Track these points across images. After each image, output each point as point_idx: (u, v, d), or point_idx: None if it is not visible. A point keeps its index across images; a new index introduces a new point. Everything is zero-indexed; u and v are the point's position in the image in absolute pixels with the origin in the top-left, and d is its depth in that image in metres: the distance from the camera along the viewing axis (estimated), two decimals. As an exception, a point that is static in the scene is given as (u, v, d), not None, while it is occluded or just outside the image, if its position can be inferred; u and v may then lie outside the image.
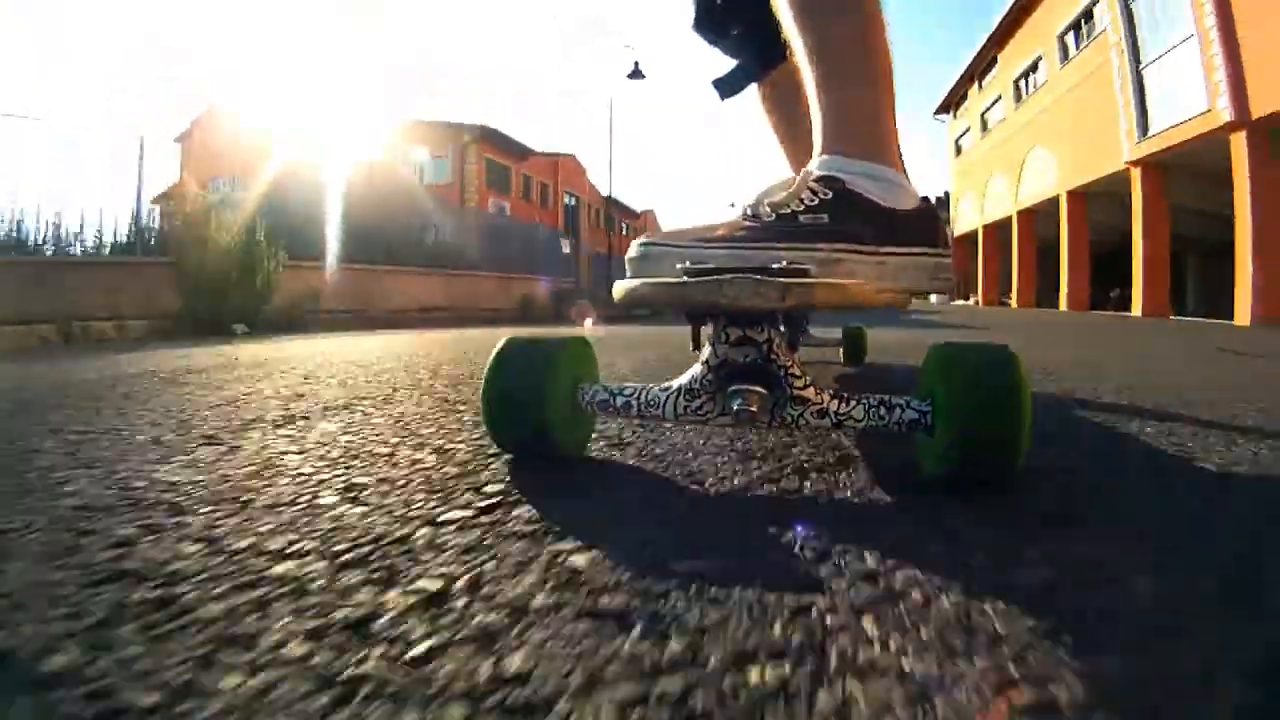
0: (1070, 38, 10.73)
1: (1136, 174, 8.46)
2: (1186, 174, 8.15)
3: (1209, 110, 6.97)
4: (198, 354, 2.03)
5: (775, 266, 0.54)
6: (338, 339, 2.86)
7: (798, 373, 0.54)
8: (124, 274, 3.46)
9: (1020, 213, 12.41)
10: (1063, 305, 10.37)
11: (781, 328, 0.58)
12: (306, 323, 3.70)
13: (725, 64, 0.99)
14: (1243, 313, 6.51)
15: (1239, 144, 6.68)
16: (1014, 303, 12.44)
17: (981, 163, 14.97)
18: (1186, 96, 7.42)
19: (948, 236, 0.72)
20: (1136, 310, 8.29)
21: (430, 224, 7.34)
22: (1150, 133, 8.10)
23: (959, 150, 17.40)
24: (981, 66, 14.99)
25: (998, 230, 14.04)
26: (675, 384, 0.57)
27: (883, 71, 0.69)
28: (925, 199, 0.70)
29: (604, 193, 21.05)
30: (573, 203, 20.26)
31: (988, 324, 4.81)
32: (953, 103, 17.55)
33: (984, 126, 15.14)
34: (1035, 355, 1.89)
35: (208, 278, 3.28)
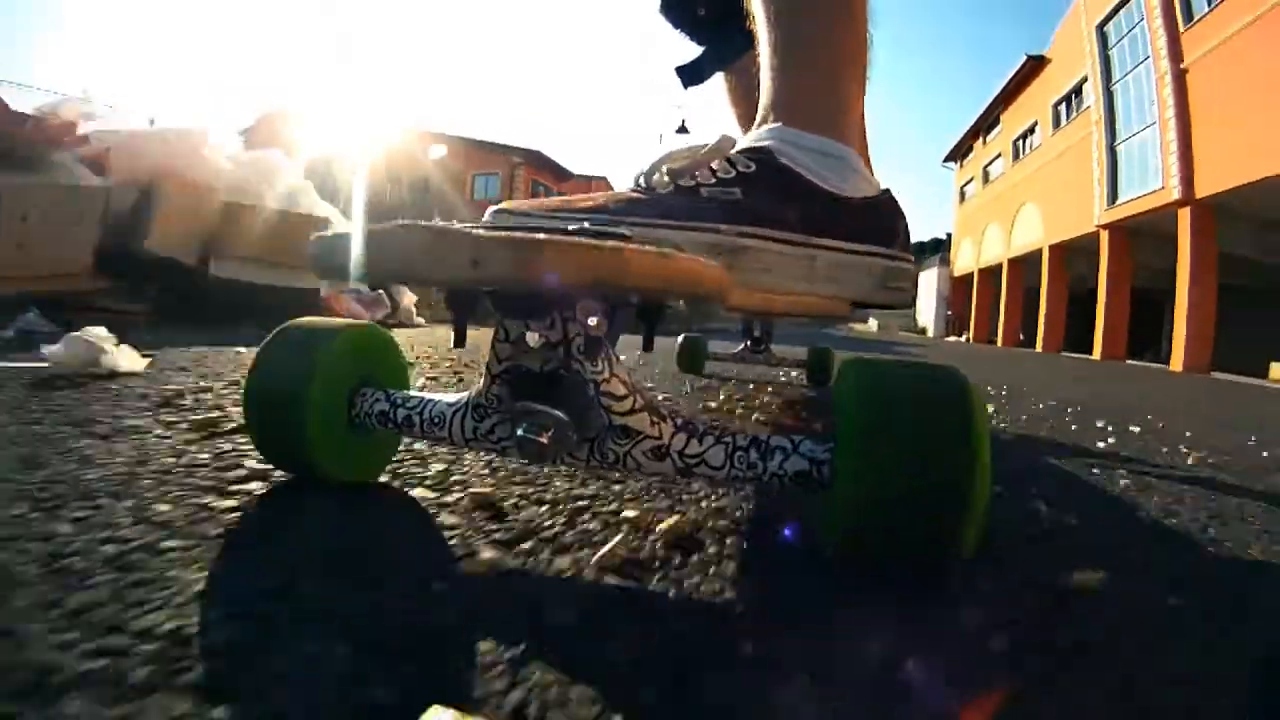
0: (1062, 109, 11.97)
1: (1105, 236, 9.63)
2: (1149, 239, 9.29)
3: (1163, 188, 8.14)
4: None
5: (571, 229, 0.34)
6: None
7: (621, 389, 0.36)
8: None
9: (1010, 261, 13.59)
10: (1039, 347, 11.50)
11: (591, 321, 0.35)
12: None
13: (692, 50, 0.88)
14: (1176, 362, 7.63)
15: (1184, 219, 7.83)
16: (1000, 342, 13.56)
17: (981, 211, 16.18)
18: (1147, 174, 8.60)
19: (908, 238, 0.58)
20: (1096, 354, 9.41)
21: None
22: (1117, 202, 9.28)
23: (963, 197, 18.64)
24: (987, 123, 16.25)
25: (991, 275, 15.21)
26: (464, 397, 0.41)
27: (850, 47, 0.57)
28: (886, 190, 0.57)
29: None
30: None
31: (945, 353, 5.85)
32: (960, 153, 18.82)
33: (985, 178, 16.38)
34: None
35: None
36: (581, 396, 0.37)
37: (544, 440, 0.36)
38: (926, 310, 21.41)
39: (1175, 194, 7.85)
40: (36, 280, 1.62)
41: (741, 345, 1.56)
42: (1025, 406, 1.46)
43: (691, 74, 0.87)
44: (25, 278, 1.61)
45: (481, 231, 0.28)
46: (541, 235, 0.29)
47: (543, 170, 17.68)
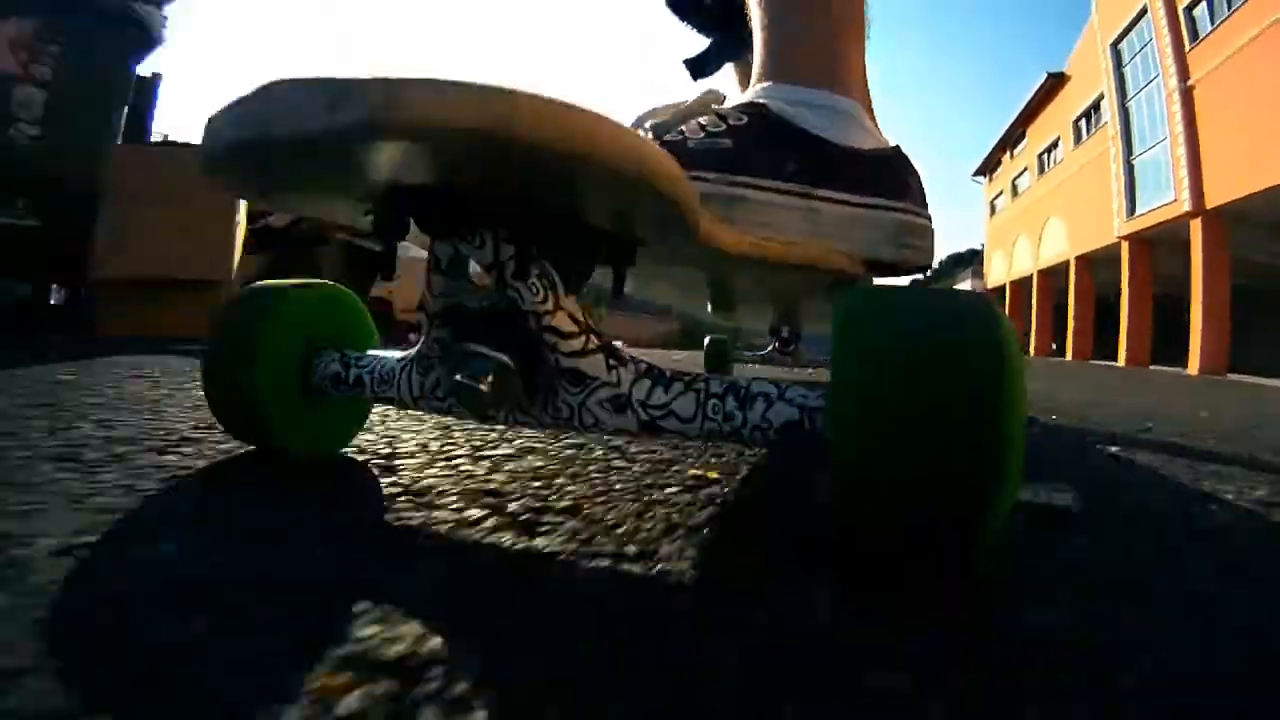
0: (1083, 124, 12.32)
1: (1125, 247, 9.94)
2: (1168, 248, 9.58)
3: (1175, 200, 8.49)
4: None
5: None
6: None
7: (569, 326, 0.32)
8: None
9: (1039, 272, 13.86)
10: (1069, 355, 11.75)
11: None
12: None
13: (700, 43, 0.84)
14: (1193, 366, 7.92)
15: (1196, 229, 8.17)
16: (1032, 352, 13.78)
17: (1010, 224, 16.45)
18: (1161, 186, 8.95)
19: (922, 193, 0.54)
20: (1121, 361, 9.67)
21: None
22: (1135, 214, 9.62)
23: (993, 210, 18.88)
24: (1013, 139, 16.58)
25: (1022, 286, 15.44)
26: (412, 351, 0.38)
27: (848, 6, 0.56)
28: (896, 146, 0.54)
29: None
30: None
31: None
32: (989, 167, 19.11)
33: (1014, 192, 16.66)
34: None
35: None
36: (524, 334, 0.31)
37: (483, 388, 0.30)
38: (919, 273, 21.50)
39: (1186, 205, 8.20)
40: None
41: (770, 346, 1.56)
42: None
43: (699, 66, 0.84)
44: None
45: (347, 74, 0.23)
46: (417, 76, 0.22)
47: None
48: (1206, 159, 8.08)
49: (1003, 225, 17.32)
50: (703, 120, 0.49)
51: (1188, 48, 8.50)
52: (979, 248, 21.33)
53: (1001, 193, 17.92)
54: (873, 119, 0.55)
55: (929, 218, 0.55)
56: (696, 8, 0.82)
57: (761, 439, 0.30)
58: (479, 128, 0.23)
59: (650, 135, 0.48)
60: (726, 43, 0.81)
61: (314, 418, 0.43)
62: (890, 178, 0.52)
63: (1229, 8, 7.75)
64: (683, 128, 0.48)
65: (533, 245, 0.31)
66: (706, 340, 1.63)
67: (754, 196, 0.46)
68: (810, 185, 0.48)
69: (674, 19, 0.85)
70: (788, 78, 0.51)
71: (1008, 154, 17.25)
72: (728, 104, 0.51)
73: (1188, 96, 8.43)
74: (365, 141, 0.24)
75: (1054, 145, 13.81)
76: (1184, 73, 8.51)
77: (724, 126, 0.48)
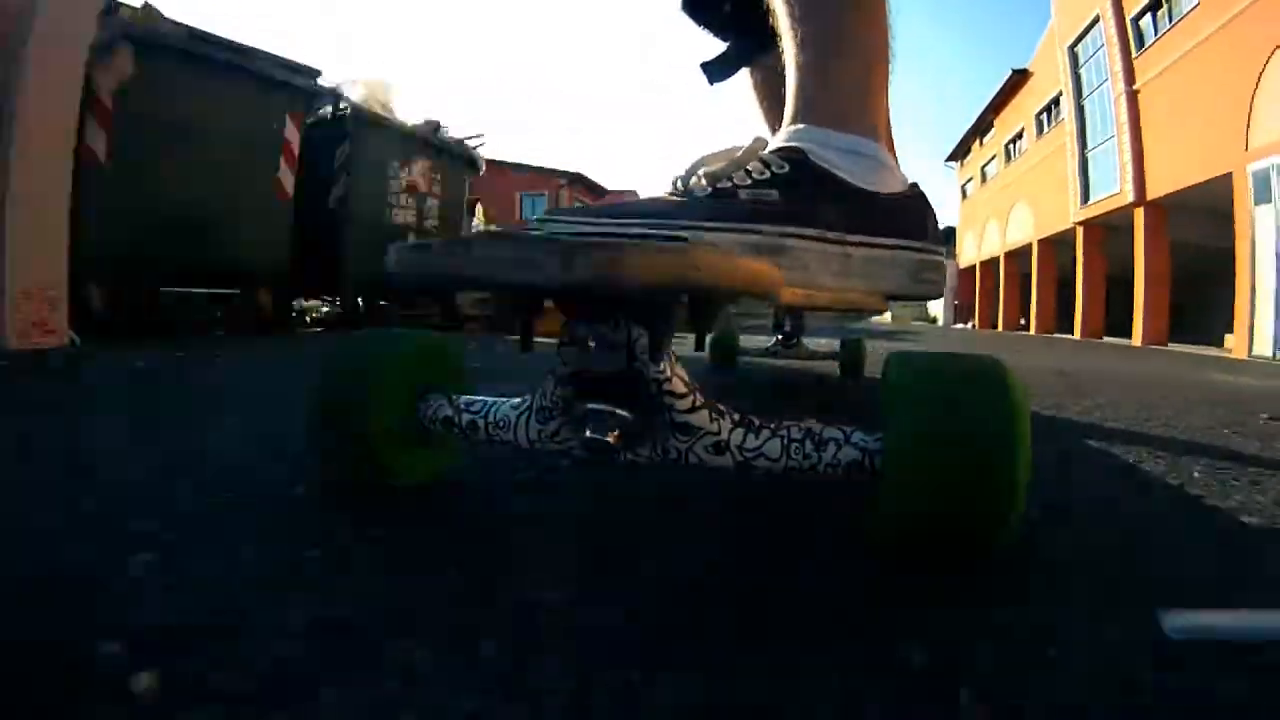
0: (1044, 118, 13.44)
1: (1079, 231, 11.12)
2: (1121, 233, 10.76)
3: (1120, 191, 9.63)
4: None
5: (634, 234, 0.44)
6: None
7: (681, 388, 0.41)
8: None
9: (1006, 254, 15.07)
10: (1032, 330, 12.99)
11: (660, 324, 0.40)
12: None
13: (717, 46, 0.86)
14: (1136, 338, 9.13)
15: (1139, 218, 9.32)
16: (999, 327, 15.03)
17: (980, 208, 17.66)
18: (1109, 178, 10.10)
19: (938, 230, 0.63)
20: (1077, 334, 10.89)
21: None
22: (1088, 202, 10.78)
23: (964, 194, 20.08)
24: (983, 127, 17.71)
25: (991, 266, 16.67)
26: (527, 400, 0.45)
27: (875, 41, 0.60)
28: (915, 185, 0.62)
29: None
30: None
31: (951, 339, 7.28)
32: (961, 154, 20.26)
33: (983, 178, 17.84)
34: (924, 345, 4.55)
35: None
36: (645, 396, 0.40)
37: (612, 440, 0.39)
38: (937, 300, 22.76)
39: (1130, 197, 9.34)
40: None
41: (774, 340, 1.64)
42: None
43: (717, 70, 0.86)
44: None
45: (568, 238, 0.32)
46: (624, 240, 0.34)
47: (584, 190, 19.46)
48: (1149, 155, 9.20)
49: (973, 209, 18.52)
50: (750, 168, 0.54)
51: (1134, 54, 9.57)
52: (953, 226, 22.51)
53: (972, 178, 19.09)
54: (893, 153, 0.62)
55: (943, 253, 0.61)
56: (713, 10, 0.84)
57: (833, 474, 0.39)
58: (673, 279, 0.32)
59: (704, 181, 0.54)
60: (743, 46, 0.83)
61: (419, 450, 0.50)
62: (912, 220, 0.60)
63: (1170, 20, 8.81)
64: (733, 176, 0.54)
65: (658, 326, 0.40)
66: (710, 335, 1.69)
67: (799, 245, 0.53)
68: (845, 232, 0.55)
69: (689, 21, 0.86)
70: (824, 121, 0.57)
71: (978, 141, 18.39)
72: (770, 148, 0.57)
73: (1133, 99, 9.52)
74: (585, 290, 0.32)
75: (1019, 136, 14.94)
76: (1130, 77, 9.59)
77: (768, 175, 0.54)
